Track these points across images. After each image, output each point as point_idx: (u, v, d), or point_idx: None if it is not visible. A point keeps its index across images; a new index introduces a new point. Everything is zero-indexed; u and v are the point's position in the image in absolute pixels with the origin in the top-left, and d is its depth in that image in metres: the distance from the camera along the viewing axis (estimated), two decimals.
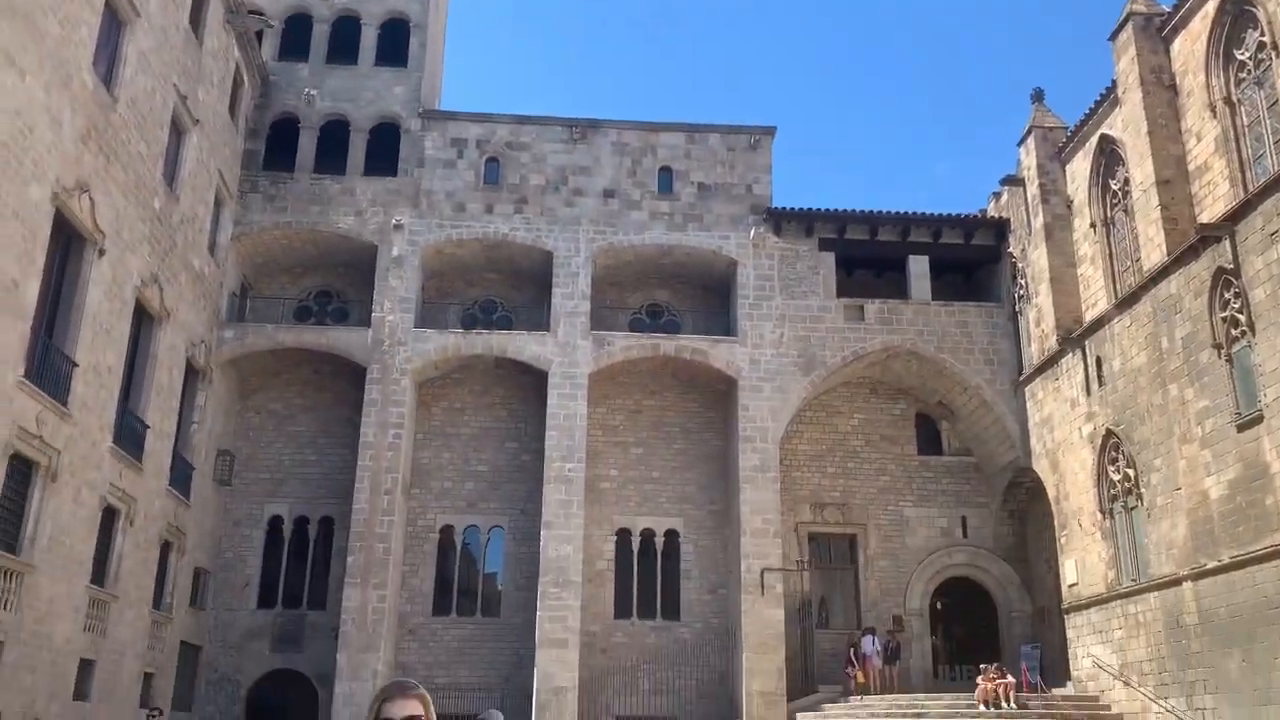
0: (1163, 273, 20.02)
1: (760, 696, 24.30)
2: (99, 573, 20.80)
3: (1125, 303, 21.53)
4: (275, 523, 27.66)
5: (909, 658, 26.58)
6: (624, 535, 27.84)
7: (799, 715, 23.69)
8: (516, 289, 29.76)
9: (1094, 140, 23.74)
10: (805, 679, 25.88)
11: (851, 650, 25.22)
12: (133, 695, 21.98)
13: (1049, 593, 26.17)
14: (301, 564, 27.63)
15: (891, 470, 28.56)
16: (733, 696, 25.70)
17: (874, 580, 27.70)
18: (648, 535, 27.91)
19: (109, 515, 21.15)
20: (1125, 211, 22.67)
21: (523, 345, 27.28)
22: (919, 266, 28.11)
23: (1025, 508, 27.75)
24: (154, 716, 14.28)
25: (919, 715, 21.40)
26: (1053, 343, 24.68)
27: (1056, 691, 22.46)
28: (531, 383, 28.25)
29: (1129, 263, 22.37)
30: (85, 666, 20.19)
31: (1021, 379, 26.47)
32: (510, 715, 22.79)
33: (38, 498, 18.20)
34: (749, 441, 26.34)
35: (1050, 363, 24.87)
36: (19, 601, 17.56)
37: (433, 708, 2.93)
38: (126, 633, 21.80)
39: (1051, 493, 24.81)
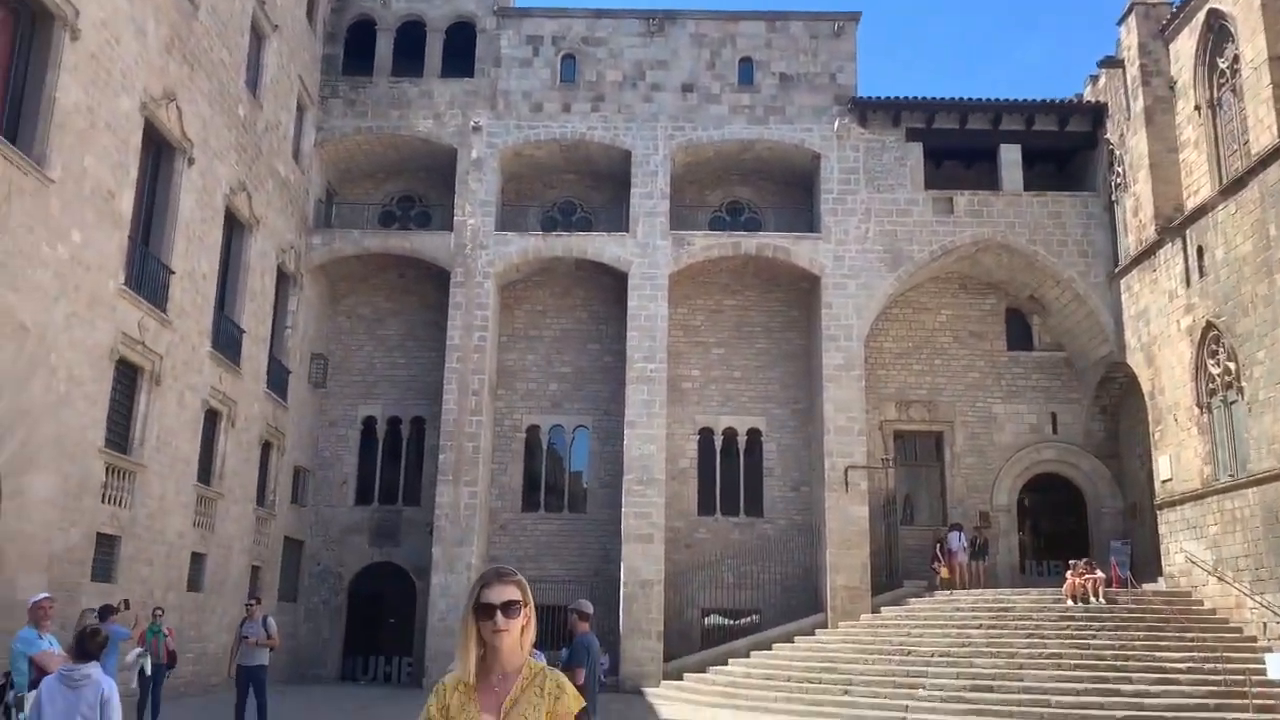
0: (1273, 155, 18.97)
1: (844, 590, 24.56)
2: (204, 472, 21.78)
3: (1230, 189, 20.49)
4: (369, 423, 28.51)
5: (995, 554, 26.50)
6: (706, 434, 28.04)
7: (883, 609, 23.91)
8: (595, 190, 29.61)
9: (1201, 15, 22.34)
10: (889, 575, 26.04)
11: (937, 546, 25.24)
12: (242, 587, 23.19)
13: (1141, 489, 25.71)
14: (395, 463, 28.51)
15: (980, 367, 28.09)
16: (817, 590, 26.04)
17: (960, 477, 27.53)
18: (730, 434, 28.06)
19: (211, 417, 22.03)
20: (1233, 92, 21.42)
21: (602, 247, 27.23)
22: (1010, 155, 27.10)
23: (1118, 403, 27.12)
24: (251, 605, 15.04)
25: (1004, 609, 21.43)
26: (1151, 233, 23.72)
27: (1147, 587, 22.23)
28: (612, 284, 28.29)
29: (1235, 147, 21.21)
30: (197, 560, 21.31)
31: (1117, 271, 25.58)
32: (599, 606, 23.42)
33: (144, 401, 19.01)
34: (833, 340, 26.09)
35: (1148, 254, 23.94)
36: (132, 499, 18.53)
37: (529, 592, 3.00)
38: (233, 528, 22.89)
39: (1146, 387, 24.15)
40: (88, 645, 6.05)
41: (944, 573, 24.53)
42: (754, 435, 28.02)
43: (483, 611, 2.91)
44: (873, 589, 24.83)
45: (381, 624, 27.92)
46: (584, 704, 2.99)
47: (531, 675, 2.94)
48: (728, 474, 27.92)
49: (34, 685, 8.29)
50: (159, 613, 15.90)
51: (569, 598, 23.72)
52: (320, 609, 27.48)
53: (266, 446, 25.09)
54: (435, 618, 24.97)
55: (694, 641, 26.25)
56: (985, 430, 27.71)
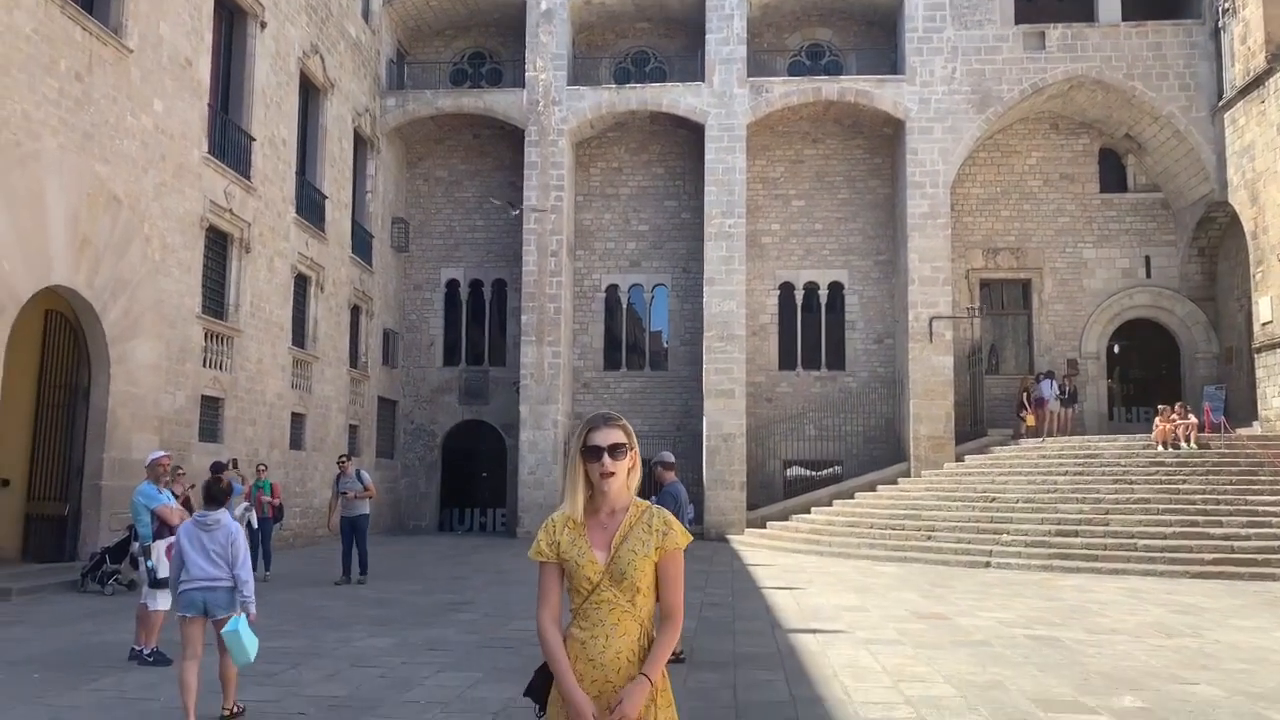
0: None
1: (928, 440, 24.59)
2: (298, 335, 22.45)
3: None
4: (451, 286, 28.92)
5: (1083, 402, 26.15)
6: (787, 289, 27.82)
7: (967, 458, 23.92)
8: (668, 38, 28.75)
9: None
10: (973, 424, 25.95)
11: (1024, 394, 24.96)
12: (341, 445, 24.15)
13: (1238, 333, 24.91)
14: (480, 324, 29.02)
15: (1070, 211, 27.12)
16: (899, 441, 26.12)
17: (1048, 325, 26.98)
18: (811, 288, 27.80)
19: (301, 282, 22.55)
20: None
21: (677, 97, 26.59)
22: None
23: (1216, 245, 26.04)
24: (343, 461, 15.71)
25: (1091, 456, 21.26)
26: (1260, 61, 22.24)
27: (1241, 431, 21.78)
28: (688, 137, 27.74)
29: None
30: (297, 420, 22.20)
31: (1220, 104, 24.16)
32: (682, 460, 23.92)
33: (235, 268, 19.51)
34: (917, 187, 25.36)
35: (1256, 84, 22.51)
36: (232, 363, 19.24)
37: (634, 436, 3.08)
38: (329, 389, 23.71)
39: (1248, 227, 23.10)
40: (214, 492, 6.71)
41: (1030, 421, 24.33)
42: (835, 289, 27.71)
43: (590, 454, 2.99)
44: (957, 439, 24.81)
45: (474, 478, 28.96)
46: (690, 539, 3.06)
47: (639, 513, 3.03)
48: (809, 328, 27.79)
49: (156, 536, 8.77)
50: (263, 469, 16.69)
51: (652, 452, 24.17)
52: (416, 465, 28.57)
53: (355, 310, 25.69)
54: (525, 471, 25.76)
55: (776, 492, 26.70)
56: (1075, 276, 26.96)
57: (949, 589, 14.57)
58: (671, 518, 3.05)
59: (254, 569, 13.49)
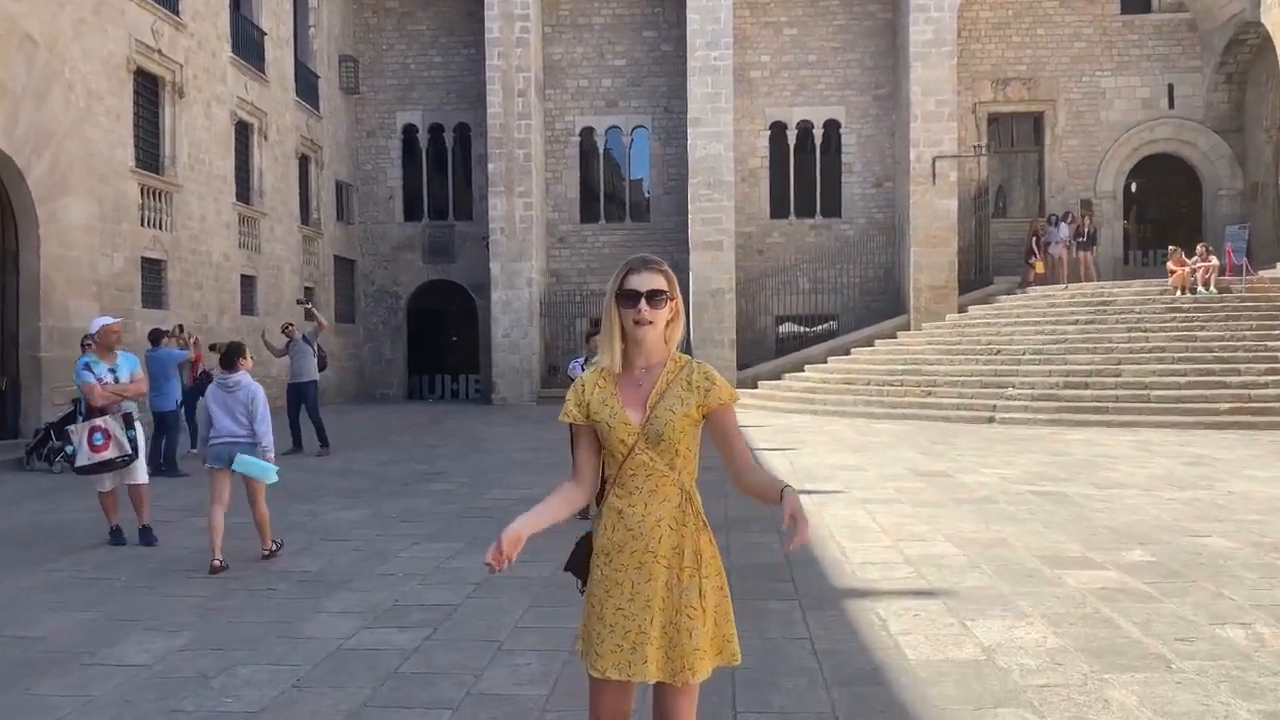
0: None
1: (929, 290, 24.67)
2: (243, 189, 22.04)
3: None
4: (409, 132, 28.31)
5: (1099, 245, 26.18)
6: (778, 129, 27.38)
7: (970, 308, 24.06)
8: None
9: None
10: (978, 272, 26.02)
11: (1033, 239, 24.93)
12: (296, 309, 24.01)
13: (1265, 166, 24.80)
14: (442, 175, 28.55)
15: (1088, 35, 26.55)
16: (899, 292, 26.22)
17: (1061, 162, 26.76)
18: (805, 128, 27.37)
19: (242, 131, 22.01)
20: None
21: None
22: None
23: (1245, 70, 25.65)
24: (289, 327, 15.62)
25: (1104, 304, 21.40)
26: None
27: (1264, 274, 21.91)
28: None
29: None
30: (247, 283, 22.01)
31: None
32: None
33: (170, 115, 18.97)
34: (921, 10, 24.68)
35: None
36: (173, 221, 18.92)
37: (677, 285, 2.95)
38: (280, 248, 23.44)
39: None
40: (231, 357, 7.82)
41: (1039, 268, 24.39)
42: (831, 128, 27.29)
43: (626, 299, 2.86)
44: (960, 288, 24.91)
45: (444, 343, 29.04)
46: (737, 396, 2.98)
47: (678, 368, 2.93)
48: (803, 172, 27.50)
49: (85, 417, 8.49)
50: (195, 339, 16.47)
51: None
52: (380, 329, 28.56)
53: (304, 161, 25.19)
54: (499, 334, 25.80)
55: (769, 350, 26.91)
56: (1091, 108, 26.60)
57: (950, 446, 14.84)
58: (714, 372, 2.95)
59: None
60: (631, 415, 2.88)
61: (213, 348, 15.75)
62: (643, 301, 2.84)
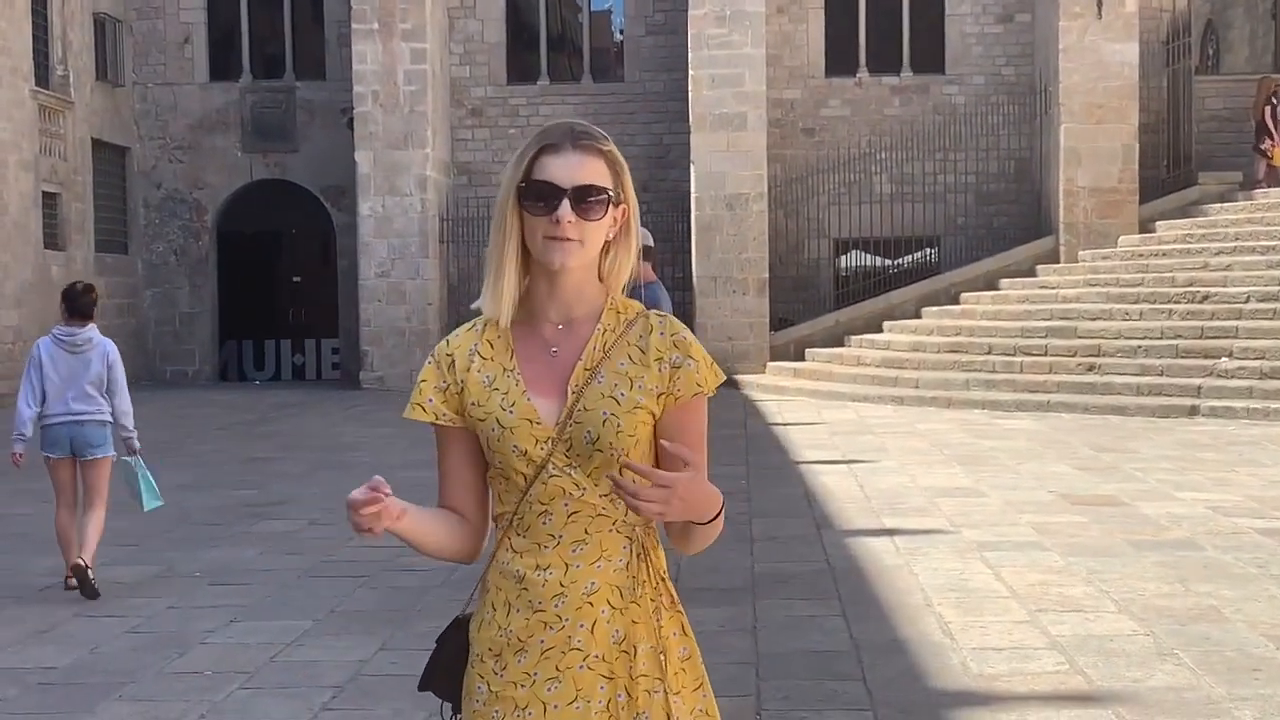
0: None
1: (1092, 197, 24.65)
2: None
3: None
4: None
5: None
6: None
7: (1158, 225, 24.07)
8: None
9: None
10: (1173, 165, 26.06)
11: (1267, 110, 24.93)
12: (28, 228, 23.82)
13: None
14: (275, 11, 28.35)
15: None
16: (1039, 200, 26.25)
17: None
18: None
19: None
20: None
21: None
22: None
23: None
24: None
25: None
26: None
27: None
28: None
29: None
30: None
31: None
32: (657, 241, 23.90)
33: None
34: None
35: None
36: None
37: (627, 175, 2.80)
38: None
39: None
40: (80, 303, 8.77)
41: (1276, 157, 24.41)
42: None
43: (535, 198, 2.71)
44: (1143, 193, 24.93)
45: (280, 287, 28.89)
46: (720, 378, 2.86)
47: (622, 323, 2.79)
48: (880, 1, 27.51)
49: None
50: None
51: None
52: (172, 264, 28.35)
53: None
54: (371, 271, 25.67)
55: (823, 298, 26.96)
56: None
57: (1126, 454, 14.80)
58: (688, 333, 2.84)
59: None
60: (541, 405, 2.75)
61: None
62: (565, 204, 2.69)
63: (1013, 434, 16.99)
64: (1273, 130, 24.74)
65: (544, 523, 2.74)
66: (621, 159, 2.74)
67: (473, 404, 2.77)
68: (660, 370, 2.76)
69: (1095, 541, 10.22)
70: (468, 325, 2.86)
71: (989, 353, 21.44)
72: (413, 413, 2.82)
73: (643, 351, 2.77)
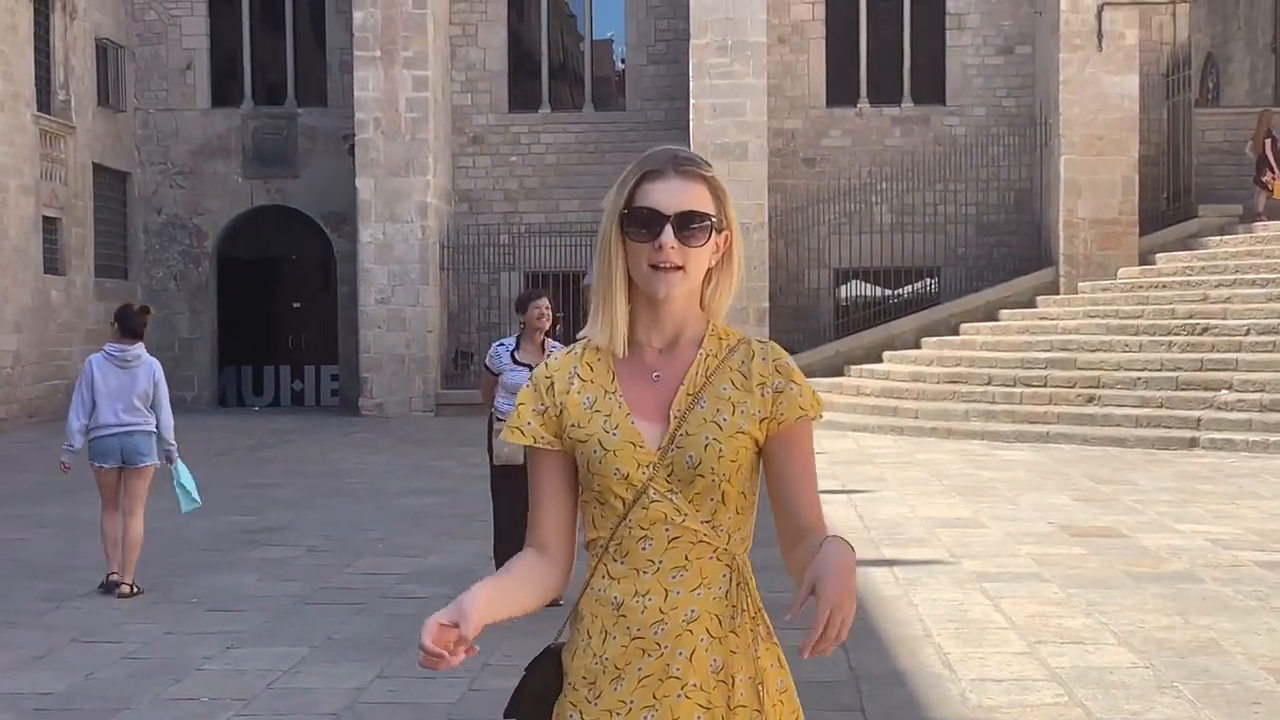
0: None
1: (1092, 229, 24.70)
2: None
3: None
4: None
5: None
6: None
7: (1158, 257, 24.12)
8: None
9: None
10: (1173, 198, 26.10)
11: (1268, 143, 24.99)
12: (28, 250, 23.84)
13: None
14: (277, 30, 28.43)
15: None
16: (1039, 231, 26.28)
17: None
18: None
19: None
20: None
21: None
22: None
23: None
24: None
25: None
26: None
27: None
28: None
29: None
30: None
31: None
32: None
33: None
34: None
35: None
36: None
37: (729, 202, 2.79)
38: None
39: None
40: (133, 323, 9.67)
41: (1277, 189, 24.45)
42: None
43: (639, 225, 2.73)
44: (1143, 225, 24.98)
45: (280, 314, 28.88)
46: (821, 405, 2.85)
47: (725, 349, 2.83)
48: (882, 29, 27.55)
49: None
50: None
51: (590, 259, 24.30)
52: (172, 289, 28.36)
53: (43, 5, 24.95)
54: (371, 298, 25.67)
55: (823, 327, 26.99)
56: None
57: (1126, 486, 14.83)
58: (789, 359, 2.84)
59: None
60: (645, 430, 2.76)
61: None
62: (668, 230, 2.70)
63: (1012, 465, 17.01)
64: (1272, 163, 24.80)
65: (644, 548, 2.73)
66: (724, 186, 2.75)
67: (573, 425, 2.76)
68: (763, 395, 2.77)
69: (1095, 573, 10.22)
70: (565, 349, 2.89)
71: (989, 383, 21.47)
72: (511, 435, 2.82)
73: (745, 377, 2.79)
